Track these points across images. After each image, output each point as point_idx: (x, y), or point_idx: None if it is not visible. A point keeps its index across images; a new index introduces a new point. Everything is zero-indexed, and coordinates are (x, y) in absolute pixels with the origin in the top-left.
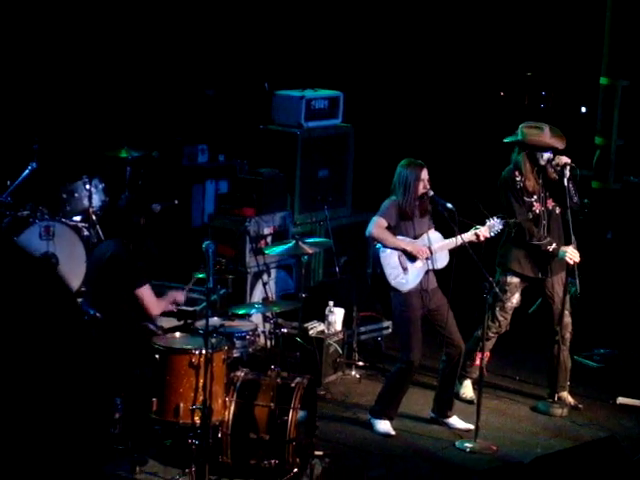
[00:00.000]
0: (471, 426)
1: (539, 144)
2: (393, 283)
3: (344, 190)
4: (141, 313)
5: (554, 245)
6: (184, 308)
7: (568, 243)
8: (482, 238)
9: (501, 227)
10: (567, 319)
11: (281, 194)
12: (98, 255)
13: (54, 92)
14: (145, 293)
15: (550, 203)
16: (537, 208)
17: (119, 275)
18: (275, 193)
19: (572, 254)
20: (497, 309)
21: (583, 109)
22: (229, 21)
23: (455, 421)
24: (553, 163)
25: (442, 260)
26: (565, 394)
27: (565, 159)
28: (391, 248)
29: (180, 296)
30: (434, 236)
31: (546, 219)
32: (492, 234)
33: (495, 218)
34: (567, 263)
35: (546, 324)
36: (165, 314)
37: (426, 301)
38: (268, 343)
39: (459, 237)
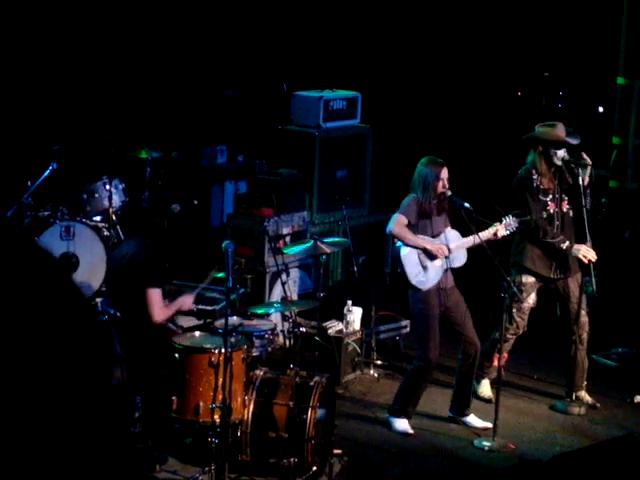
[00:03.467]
0: (489, 425)
1: (553, 139)
2: (414, 282)
3: (362, 190)
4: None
5: (567, 243)
6: (203, 307)
7: (583, 243)
8: (499, 236)
9: (517, 226)
10: (584, 319)
11: (300, 194)
12: (118, 255)
13: (74, 93)
14: (154, 296)
15: (565, 205)
16: (551, 208)
17: (139, 275)
18: (294, 193)
19: (586, 252)
20: (514, 310)
21: (600, 109)
22: (248, 22)
23: (473, 420)
24: (580, 161)
25: (460, 259)
26: (583, 393)
27: (589, 160)
28: (411, 246)
29: (188, 303)
30: (451, 234)
31: (559, 220)
32: (508, 232)
33: (511, 216)
34: (583, 263)
35: (563, 324)
36: (185, 313)
37: (443, 299)
38: (287, 342)
39: (476, 236)
